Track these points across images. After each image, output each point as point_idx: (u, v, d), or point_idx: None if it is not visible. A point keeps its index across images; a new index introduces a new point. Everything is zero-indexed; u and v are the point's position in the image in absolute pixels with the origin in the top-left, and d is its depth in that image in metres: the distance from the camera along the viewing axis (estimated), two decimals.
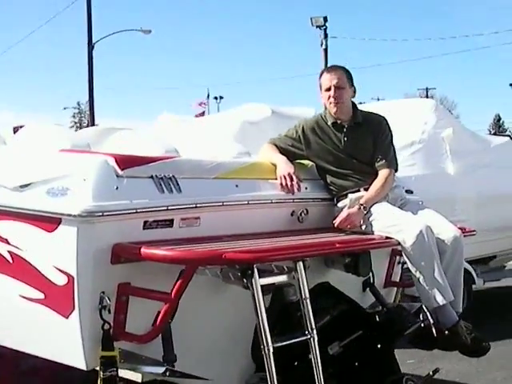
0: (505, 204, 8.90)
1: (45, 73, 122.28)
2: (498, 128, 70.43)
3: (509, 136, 11.53)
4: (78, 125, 64.60)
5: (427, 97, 54.50)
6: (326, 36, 29.74)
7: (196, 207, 3.89)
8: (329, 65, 17.75)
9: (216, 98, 58.03)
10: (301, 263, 3.83)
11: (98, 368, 3.61)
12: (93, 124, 27.03)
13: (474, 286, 8.75)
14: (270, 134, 5.12)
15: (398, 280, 5.28)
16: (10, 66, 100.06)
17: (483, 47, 77.70)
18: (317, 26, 29.66)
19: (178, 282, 3.45)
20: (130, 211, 3.60)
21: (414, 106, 9.32)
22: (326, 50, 29.72)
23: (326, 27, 29.64)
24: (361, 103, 11.45)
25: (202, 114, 30.07)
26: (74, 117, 76.51)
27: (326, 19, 29.57)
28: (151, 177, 3.80)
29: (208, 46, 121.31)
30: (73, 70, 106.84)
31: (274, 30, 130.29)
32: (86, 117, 38.71)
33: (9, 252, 3.81)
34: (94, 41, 30.33)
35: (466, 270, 8.24)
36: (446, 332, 4.43)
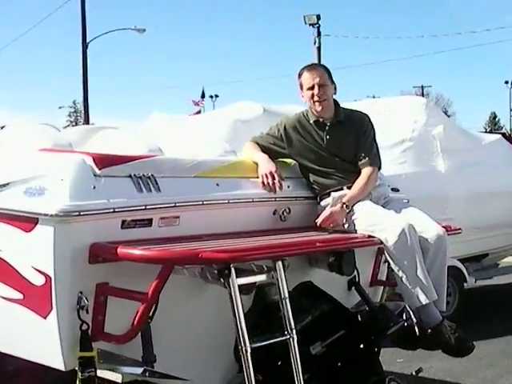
0: (496, 202, 8.84)
1: (41, 72, 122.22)
2: (493, 126, 70.58)
3: (502, 134, 11.41)
4: (74, 124, 64.41)
5: (423, 94, 54.57)
6: (319, 34, 29.63)
7: (175, 206, 3.86)
8: (322, 63, 17.84)
9: (211, 96, 58.19)
10: (280, 262, 3.79)
11: (76, 368, 3.58)
12: (87, 123, 27.01)
13: (465, 285, 8.71)
14: (261, 132, 5.09)
15: (384, 279, 5.24)
16: (5, 64, 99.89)
17: (477, 45, 77.66)
18: (310, 24, 29.56)
19: (155, 282, 3.43)
20: (107, 211, 3.58)
21: (404, 103, 9.28)
22: (319, 48, 29.65)
23: (319, 25, 29.57)
24: (356, 101, 11.45)
25: (199, 112, 30.04)
26: (69, 116, 76.48)
27: (319, 17, 29.50)
28: (129, 176, 3.78)
29: (204, 44, 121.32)
30: (70, 68, 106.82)
31: (269, 28, 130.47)
32: (82, 116, 38.61)
33: None
34: (88, 39, 30.38)
35: (457, 269, 8.32)
36: (429, 331, 4.41)
